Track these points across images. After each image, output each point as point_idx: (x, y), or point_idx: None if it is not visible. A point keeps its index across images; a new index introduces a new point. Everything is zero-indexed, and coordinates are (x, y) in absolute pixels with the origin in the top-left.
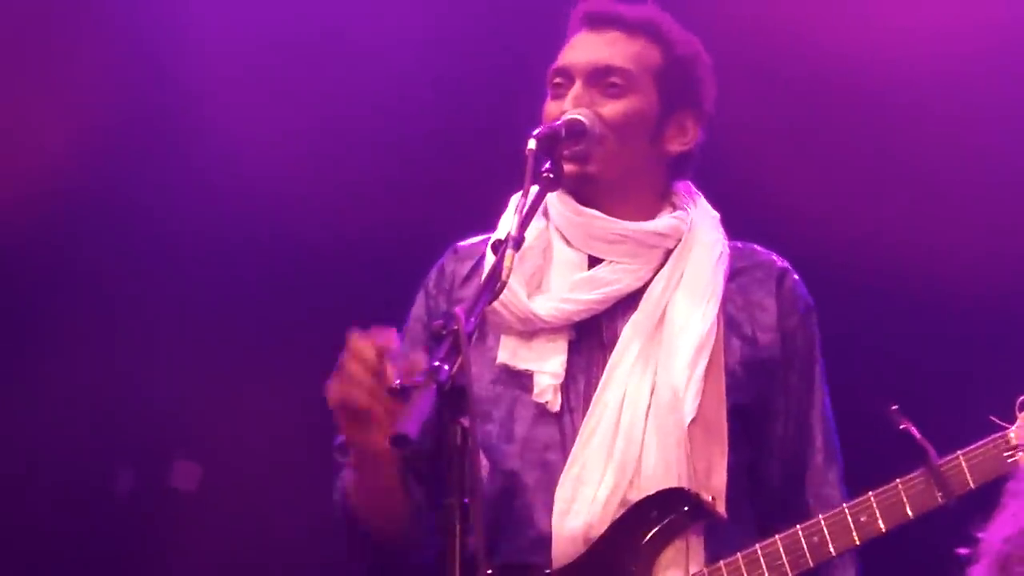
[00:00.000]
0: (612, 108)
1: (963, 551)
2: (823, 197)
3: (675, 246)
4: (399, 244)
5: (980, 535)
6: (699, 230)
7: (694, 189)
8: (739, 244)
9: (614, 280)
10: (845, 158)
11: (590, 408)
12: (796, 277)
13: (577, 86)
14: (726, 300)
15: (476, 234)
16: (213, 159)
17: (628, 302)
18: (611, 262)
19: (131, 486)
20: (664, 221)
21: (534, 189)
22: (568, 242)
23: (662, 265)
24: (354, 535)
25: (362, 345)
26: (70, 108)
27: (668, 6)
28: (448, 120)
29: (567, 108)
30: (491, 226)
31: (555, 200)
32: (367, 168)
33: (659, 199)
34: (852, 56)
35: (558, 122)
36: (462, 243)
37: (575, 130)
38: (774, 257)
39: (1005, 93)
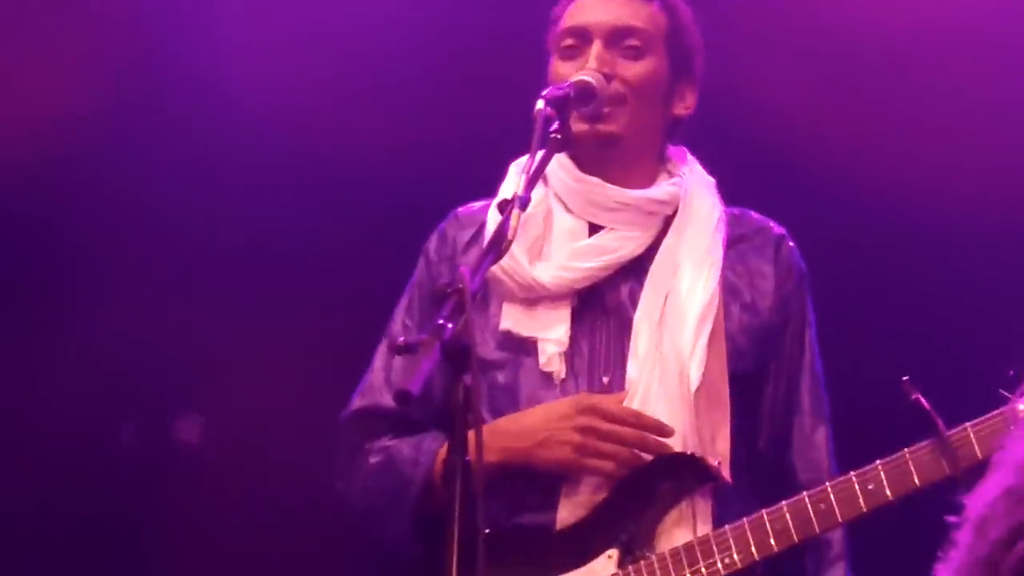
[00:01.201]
0: (635, 69)
1: (952, 519)
2: (824, 164)
3: (673, 213)
4: (403, 209)
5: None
6: (696, 197)
7: (688, 154)
8: (735, 210)
9: (616, 248)
10: (844, 123)
11: (629, 385)
12: (792, 244)
13: (597, 46)
14: (726, 267)
15: (478, 200)
16: (216, 120)
17: (628, 269)
18: (612, 229)
19: (135, 438)
20: (663, 188)
21: (540, 153)
22: (568, 209)
23: (662, 232)
24: (426, 499)
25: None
26: (82, 74)
27: None
28: (453, 89)
29: (592, 67)
30: (492, 192)
31: (556, 167)
32: (373, 135)
33: (657, 164)
34: (859, 25)
35: (567, 83)
36: (463, 208)
37: (586, 91)
38: (771, 224)
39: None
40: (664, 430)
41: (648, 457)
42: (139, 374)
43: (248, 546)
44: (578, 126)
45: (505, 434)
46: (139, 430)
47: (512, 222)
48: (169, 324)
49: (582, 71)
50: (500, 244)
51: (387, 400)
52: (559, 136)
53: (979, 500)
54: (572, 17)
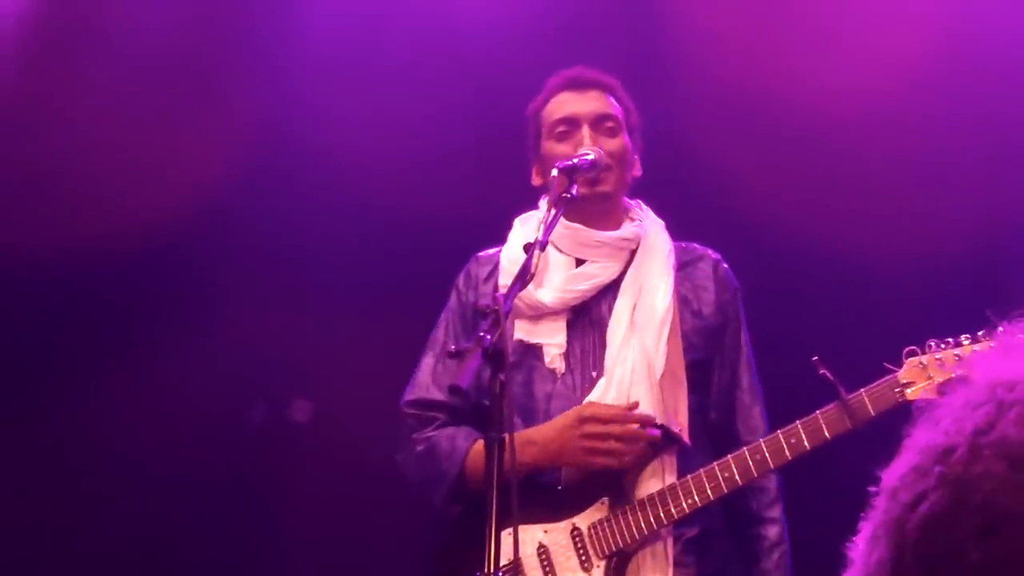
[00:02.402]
0: (615, 144)
1: (872, 489)
2: (755, 205)
3: (636, 247)
4: (443, 252)
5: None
6: (652, 235)
7: (643, 203)
8: (682, 244)
9: (597, 274)
10: (761, 173)
11: (605, 372)
12: (726, 265)
13: (587, 130)
14: (677, 284)
15: (492, 246)
16: (328, 164)
17: (607, 290)
18: (593, 261)
19: (263, 418)
20: (629, 229)
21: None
22: (559, 249)
23: (629, 261)
24: (460, 482)
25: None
26: (220, 132)
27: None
28: (475, 170)
29: (586, 144)
30: (502, 239)
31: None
32: (426, 199)
33: (622, 213)
34: (795, 85)
35: (578, 158)
36: (482, 253)
37: (589, 163)
38: (709, 251)
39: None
40: (646, 419)
41: (639, 444)
42: (265, 367)
43: (346, 508)
44: (582, 189)
45: (532, 444)
46: (266, 411)
47: (535, 260)
48: (288, 330)
49: (584, 147)
50: (525, 276)
51: (432, 393)
52: (568, 195)
53: (892, 475)
54: (560, 110)
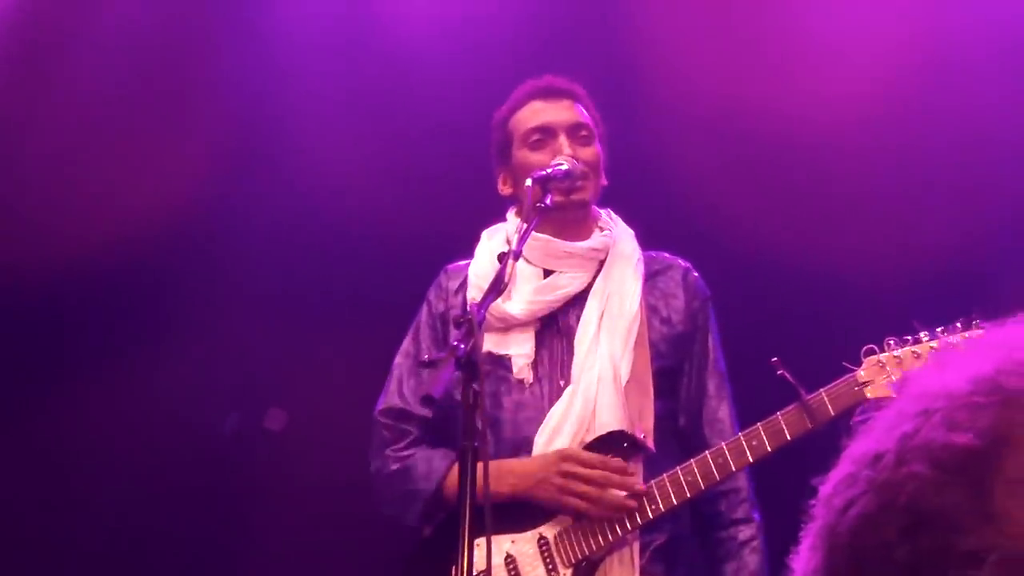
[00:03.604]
0: (589, 152)
1: (812, 501)
2: (717, 210)
3: (605, 257)
4: (415, 265)
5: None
6: (621, 244)
7: (612, 212)
8: (651, 252)
9: (565, 285)
10: (726, 185)
11: (572, 381)
12: (696, 274)
13: (563, 139)
14: (646, 293)
15: (461, 257)
16: (300, 178)
17: (575, 300)
18: (561, 272)
19: (237, 427)
20: (598, 239)
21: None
22: (528, 261)
23: (597, 271)
24: (435, 505)
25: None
26: (195, 144)
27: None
28: (445, 186)
29: (565, 154)
30: (470, 253)
31: (514, 232)
32: (399, 213)
33: (592, 222)
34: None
35: (553, 167)
36: (451, 265)
37: (563, 172)
38: (679, 260)
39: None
40: (626, 469)
41: (618, 494)
42: (238, 377)
43: (317, 515)
44: (557, 198)
45: (511, 474)
46: (239, 420)
47: (509, 269)
48: (261, 340)
49: (561, 157)
50: (500, 285)
51: (404, 404)
52: (543, 205)
53: (828, 484)
54: (534, 119)
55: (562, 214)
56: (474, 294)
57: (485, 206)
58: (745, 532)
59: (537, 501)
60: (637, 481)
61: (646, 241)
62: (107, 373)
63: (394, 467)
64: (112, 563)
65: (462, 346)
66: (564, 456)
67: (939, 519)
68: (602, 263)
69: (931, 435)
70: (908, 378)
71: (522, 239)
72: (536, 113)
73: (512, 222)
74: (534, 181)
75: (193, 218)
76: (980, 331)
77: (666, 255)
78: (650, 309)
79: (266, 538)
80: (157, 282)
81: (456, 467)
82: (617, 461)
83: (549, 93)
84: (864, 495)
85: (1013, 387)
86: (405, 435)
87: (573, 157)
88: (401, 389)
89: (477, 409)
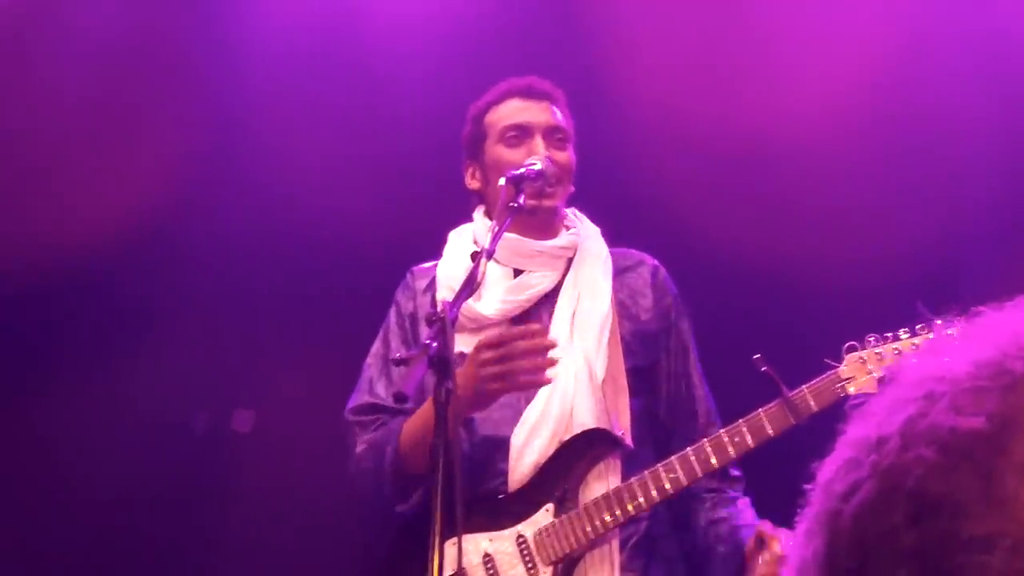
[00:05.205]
0: (564, 156)
1: (807, 486)
2: (697, 211)
3: (573, 255)
4: (384, 267)
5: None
6: (588, 241)
7: (577, 211)
8: (619, 249)
9: (536, 284)
10: (690, 181)
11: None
12: (664, 271)
13: (538, 139)
14: (615, 290)
15: (429, 258)
16: (268, 179)
17: (546, 299)
18: (531, 272)
19: (206, 427)
20: (564, 238)
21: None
22: (497, 261)
23: (566, 270)
24: (400, 467)
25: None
26: (159, 147)
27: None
28: (412, 186)
29: (538, 154)
30: (437, 254)
31: (484, 232)
32: (364, 217)
33: (559, 222)
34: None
35: (527, 167)
36: (417, 267)
37: (536, 172)
38: (647, 257)
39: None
40: (534, 330)
41: (540, 361)
42: (205, 378)
43: (284, 515)
44: (529, 201)
45: (458, 403)
46: (208, 420)
47: (481, 268)
48: (228, 341)
49: (535, 157)
50: (472, 285)
51: (374, 399)
52: (515, 205)
53: (826, 469)
54: (512, 117)
55: (532, 216)
56: (444, 294)
57: (452, 207)
58: (734, 493)
59: (479, 406)
60: (545, 337)
61: (618, 238)
62: (74, 374)
63: (361, 448)
64: (80, 562)
65: (434, 344)
66: (474, 352)
67: (947, 504)
68: (570, 261)
69: (937, 419)
70: (904, 364)
71: (495, 239)
72: (515, 111)
73: (479, 222)
74: (507, 181)
75: (161, 219)
76: (957, 328)
77: (633, 252)
78: (619, 306)
79: (233, 538)
80: (124, 283)
81: (409, 422)
82: (523, 328)
83: (530, 93)
84: (868, 480)
85: (1020, 370)
86: (375, 422)
87: (548, 159)
88: (372, 388)
89: (449, 407)
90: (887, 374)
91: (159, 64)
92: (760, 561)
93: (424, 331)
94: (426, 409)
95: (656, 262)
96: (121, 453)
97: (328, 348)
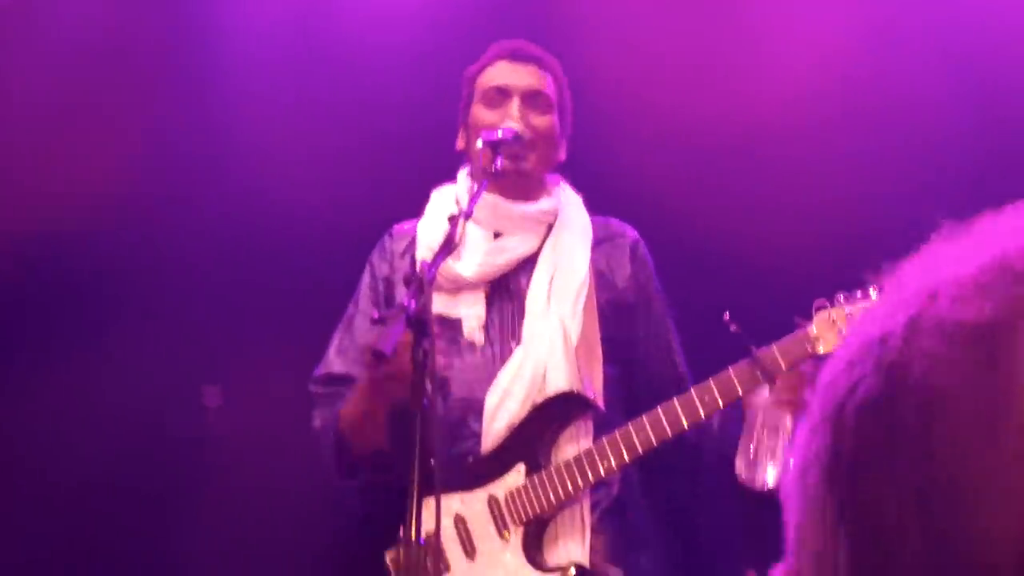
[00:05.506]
0: (543, 121)
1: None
2: (671, 184)
3: (554, 220)
4: (360, 227)
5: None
6: (569, 208)
7: (562, 179)
8: (600, 219)
9: (515, 247)
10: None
11: (523, 342)
12: (643, 244)
13: (516, 102)
14: (594, 259)
15: (408, 219)
16: (235, 153)
17: (525, 263)
18: (511, 234)
19: (218, 400)
20: (545, 203)
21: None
22: (477, 223)
23: (546, 235)
24: (341, 450)
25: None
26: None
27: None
28: (390, 144)
29: (513, 116)
30: (418, 213)
31: (465, 193)
32: (342, 182)
33: (541, 188)
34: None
35: (503, 130)
36: (397, 226)
37: (515, 137)
38: (627, 229)
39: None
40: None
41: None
42: (174, 353)
43: (256, 490)
44: (504, 163)
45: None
46: (220, 394)
47: (460, 229)
48: (197, 316)
49: (510, 120)
50: (451, 245)
51: (336, 367)
52: (493, 169)
53: (828, 371)
54: (494, 78)
55: (518, 180)
56: (424, 254)
57: (426, 181)
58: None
59: (372, 413)
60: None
61: (592, 204)
62: (40, 355)
63: (316, 423)
64: (49, 546)
65: (412, 303)
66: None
67: (953, 394)
68: (551, 227)
69: (942, 313)
70: (901, 273)
71: (472, 200)
72: (498, 73)
73: (463, 183)
74: (484, 143)
75: (129, 199)
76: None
77: (614, 222)
78: (598, 275)
79: (203, 514)
80: (92, 263)
81: (345, 409)
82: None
83: (516, 56)
84: (871, 376)
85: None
86: (332, 395)
87: (525, 123)
88: (335, 355)
89: (427, 367)
90: (886, 284)
91: (130, 44)
92: (768, 393)
93: (401, 292)
94: (355, 396)
95: (637, 235)
96: (86, 433)
97: (301, 319)
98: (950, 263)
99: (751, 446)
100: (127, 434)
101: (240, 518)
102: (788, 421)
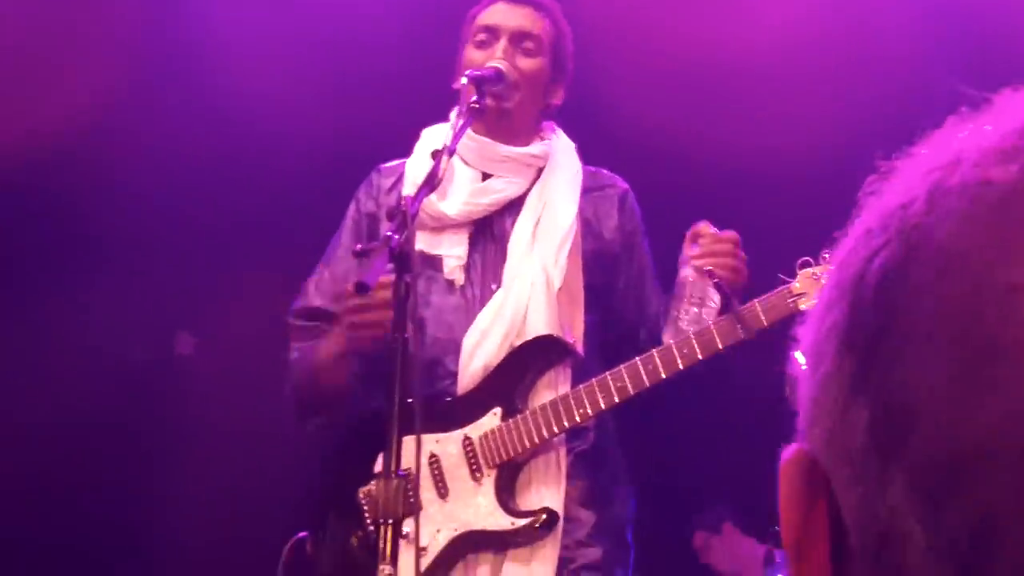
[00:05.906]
0: (529, 64)
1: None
2: (654, 124)
3: (544, 165)
4: (346, 165)
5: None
6: (560, 154)
7: (556, 126)
8: (591, 168)
9: (502, 189)
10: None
11: (503, 284)
12: (633, 197)
13: (503, 43)
14: (582, 208)
15: (396, 157)
16: (207, 94)
17: (511, 206)
18: (499, 176)
19: (190, 348)
20: (536, 147)
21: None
22: (466, 162)
23: (535, 179)
24: (308, 387)
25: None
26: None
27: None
28: (386, 84)
29: (497, 56)
30: (407, 151)
31: (451, 130)
32: (328, 126)
33: (533, 132)
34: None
35: (486, 68)
36: (385, 164)
37: (498, 75)
38: (617, 180)
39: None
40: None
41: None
42: (146, 301)
43: (231, 437)
44: (487, 101)
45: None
46: (192, 342)
47: (442, 165)
48: (170, 262)
49: (496, 59)
50: (433, 180)
51: (315, 301)
52: (476, 105)
53: (846, 242)
54: (486, 18)
55: (490, 118)
56: (409, 190)
57: (421, 122)
58: None
59: (349, 352)
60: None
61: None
62: (10, 299)
63: (293, 356)
64: (20, 491)
65: (396, 237)
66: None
67: (978, 254)
68: (540, 171)
69: (967, 176)
70: (916, 151)
71: (456, 136)
72: (492, 13)
73: (453, 122)
74: (469, 80)
75: (96, 140)
76: None
77: (604, 172)
78: (585, 223)
79: (177, 465)
80: (59, 205)
81: (320, 347)
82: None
83: None
84: (893, 242)
85: None
86: (313, 329)
87: (511, 64)
88: (314, 289)
89: (408, 301)
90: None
91: None
92: (699, 245)
93: (385, 226)
94: (327, 341)
95: (627, 186)
96: (59, 380)
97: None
98: (969, 136)
99: (677, 316)
100: (98, 376)
101: (213, 464)
102: (714, 293)
